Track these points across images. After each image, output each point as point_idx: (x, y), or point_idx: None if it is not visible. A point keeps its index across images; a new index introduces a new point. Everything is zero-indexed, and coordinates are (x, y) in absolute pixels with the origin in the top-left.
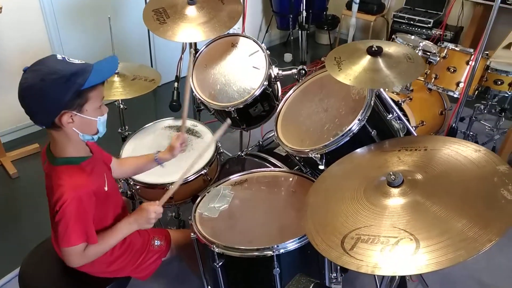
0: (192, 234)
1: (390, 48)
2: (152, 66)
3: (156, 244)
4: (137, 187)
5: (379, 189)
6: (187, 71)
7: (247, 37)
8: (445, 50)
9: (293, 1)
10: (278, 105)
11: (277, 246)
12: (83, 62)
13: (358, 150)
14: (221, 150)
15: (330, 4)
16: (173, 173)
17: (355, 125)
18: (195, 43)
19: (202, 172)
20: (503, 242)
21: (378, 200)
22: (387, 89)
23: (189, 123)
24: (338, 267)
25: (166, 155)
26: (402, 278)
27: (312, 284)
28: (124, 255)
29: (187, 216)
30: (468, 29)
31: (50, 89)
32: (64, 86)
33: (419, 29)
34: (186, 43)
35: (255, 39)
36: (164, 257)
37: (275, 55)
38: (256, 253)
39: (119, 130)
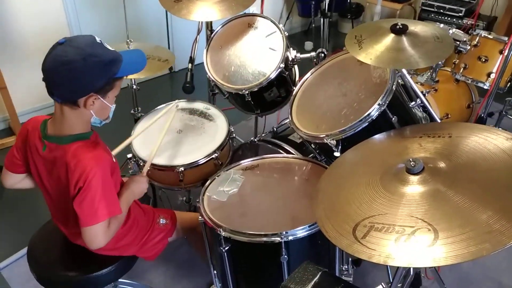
0: (199, 217)
1: (416, 27)
2: (169, 48)
3: (161, 222)
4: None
5: (397, 176)
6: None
7: (265, 18)
8: (477, 38)
9: None
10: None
11: (286, 232)
12: (114, 49)
13: (376, 136)
14: (234, 134)
15: None
16: (184, 155)
17: (374, 110)
18: (211, 24)
19: (213, 156)
20: None
21: (395, 188)
22: (411, 74)
23: (202, 105)
24: (350, 259)
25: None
26: (417, 274)
27: (320, 273)
28: (131, 231)
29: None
30: (502, 19)
31: (89, 71)
32: (101, 71)
33: (449, 18)
34: (201, 23)
35: (273, 20)
36: (170, 236)
37: (295, 43)
38: (264, 239)
39: (132, 111)
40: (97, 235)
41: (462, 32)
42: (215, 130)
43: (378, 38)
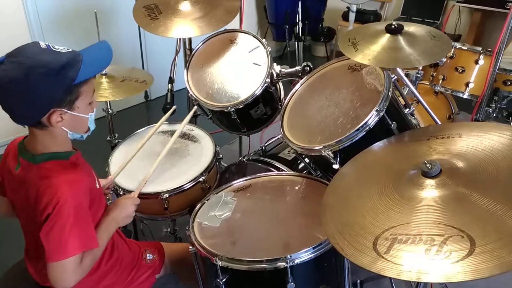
0: (190, 247)
1: (410, 28)
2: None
3: (148, 258)
4: None
5: (413, 181)
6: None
7: (246, 33)
8: (452, 50)
9: (289, 11)
10: (281, 105)
11: (291, 256)
12: (70, 49)
13: (376, 144)
14: (221, 155)
15: (325, 17)
16: (168, 180)
17: (372, 117)
18: (190, 43)
19: (200, 179)
20: None
21: (413, 194)
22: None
23: (186, 127)
24: (358, 281)
25: None
26: None
27: None
28: (113, 270)
29: (184, 233)
30: (467, 36)
31: (37, 86)
32: (53, 82)
33: None
34: (179, 43)
35: (255, 34)
36: (158, 273)
37: None
38: (266, 265)
39: (108, 138)
40: (65, 273)
41: None
42: (200, 151)
43: (373, 39)
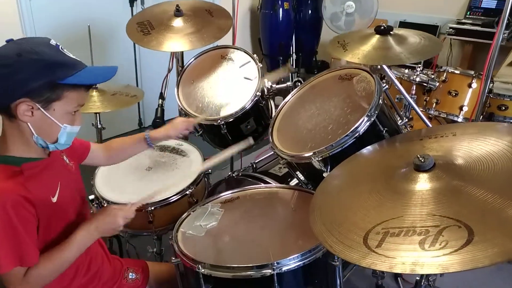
0: (173, 258)
1: (399, 31)
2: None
3: (130, 277)
4: None
5: (406, 177)
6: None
7: (238, 49)
8: (445, 74)
9: (283, 43)
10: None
11: (278, 263)
12: (78, 59)
13: (367, 148)
14: (210, 170)
15: (319, 49)
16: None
17: (363, 122)
18: (182, 60)
19: (187, 192)
20: None
21: (406, 188)
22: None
23: (174, 142)
24: None
25: (160, 134)
26: None
27: None
28: (90, 286)
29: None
30: None
31: (22, 67)
32: (38, 71)
33: (410, 70)
34: (172, 63)
35: (246, 50)
36: None
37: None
38: (252, 272)
39: None
40: (12, 284)
41: (429, 70)
42: (189, 165)
43: (362, 41)
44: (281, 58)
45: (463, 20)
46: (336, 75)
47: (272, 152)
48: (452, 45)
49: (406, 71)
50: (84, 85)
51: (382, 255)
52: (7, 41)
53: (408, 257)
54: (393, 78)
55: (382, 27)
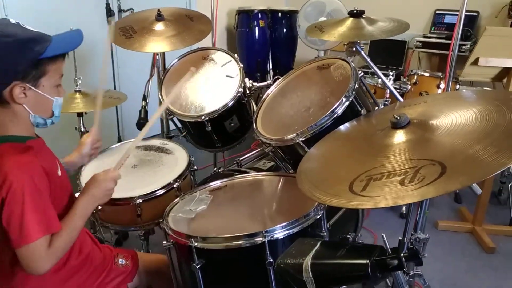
0: (164, 242)
1: (371, 16)
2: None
3: (120, 263)
4: (99, 207)
5: (383, 135)
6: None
7: (219, 50)
8: (415, 77)
9: (260, 61)
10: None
11: (268, 231)
12: (40, 31)
13: (344, 125)
14: (195, 167)
15: (295, 66)
16: (141, 187)
17: (342, 102)
18: (164, 65)
19: (174, 186)
20: None
21: (385, 143)
22: None
23: (159, 142)
24: None
25: (73, 156)
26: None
27: (320, 242)
28: (82, 269)
29: (158, 250)
30: None
31: (2, 54)
32: (18, 52)
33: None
34: (154, 69)
35: (227, 51)
36: (130, 281)
37: None
38: (243, 241)
39: None
40: (34, 257)
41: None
42: (175, 162)
43: (338, 23)
44: (259, 74)
45: (429, 35)
46: (315, 66)
47: (256, 152)
48: (420, 58)
49: (379, 80)
50: (60, 55)
51: (366, 196)
52: None
53: (391, 193)
54: (368, 59)
55: (355, 11)
